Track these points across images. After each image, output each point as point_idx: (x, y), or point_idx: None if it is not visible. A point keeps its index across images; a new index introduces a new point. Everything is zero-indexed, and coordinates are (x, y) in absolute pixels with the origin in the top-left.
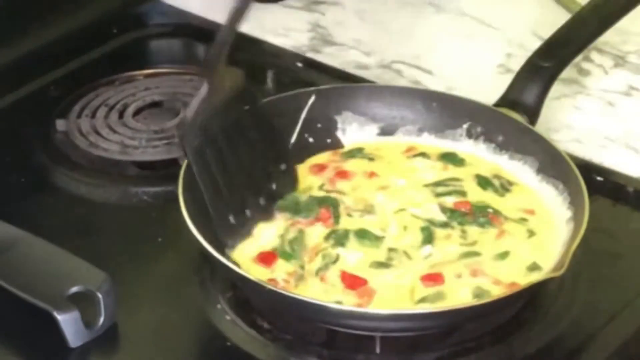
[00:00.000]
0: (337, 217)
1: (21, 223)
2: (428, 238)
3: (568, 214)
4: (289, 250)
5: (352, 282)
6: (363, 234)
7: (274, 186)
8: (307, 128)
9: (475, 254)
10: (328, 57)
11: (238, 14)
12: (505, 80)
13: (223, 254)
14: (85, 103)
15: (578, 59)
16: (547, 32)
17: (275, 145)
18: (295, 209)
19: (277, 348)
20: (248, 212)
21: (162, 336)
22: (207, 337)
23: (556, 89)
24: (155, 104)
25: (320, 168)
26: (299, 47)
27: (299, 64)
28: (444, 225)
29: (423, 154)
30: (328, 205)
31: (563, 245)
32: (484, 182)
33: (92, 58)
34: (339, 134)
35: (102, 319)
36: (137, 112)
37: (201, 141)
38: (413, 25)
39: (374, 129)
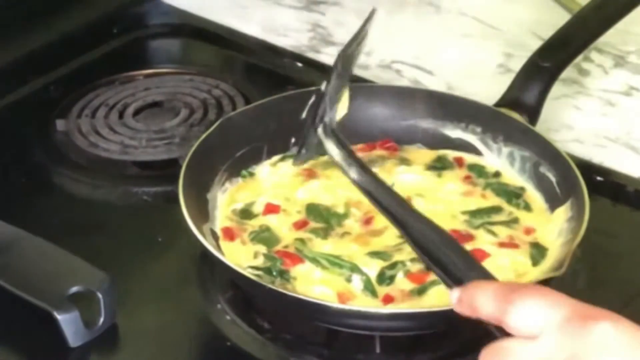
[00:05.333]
0: None
1: (21, 223)
2: None
3: (568, 213)
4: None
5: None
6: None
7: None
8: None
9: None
10: (328, 57)
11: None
12: (505, 80)
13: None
14: (85, 103)
15: (578, 59)
16: (547, 32)
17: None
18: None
19: (277, 348)
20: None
21: (162, 336)
22: (207, 337)
23: (556, 89)
24: (155, 104)
25: None
26: (299, 47)
27: (299, 64)
28: None
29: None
30: None
31: (563, 245)
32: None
33: (92, 58)
34: None
35: (102, 319)
36: (137, 112)
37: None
38: (413, 25)
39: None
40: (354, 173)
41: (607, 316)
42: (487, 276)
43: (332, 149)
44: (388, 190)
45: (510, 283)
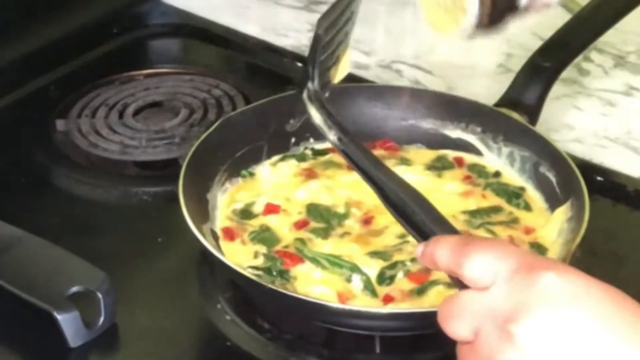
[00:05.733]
0: None
1: (21, 223)
2: None
3: (568, 213)
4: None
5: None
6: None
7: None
8: (307, 128)
9: None
10: None
11: None
12: (505, 80)
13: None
14: (85, 103)
15: (578, 59)
16: (547, 32)
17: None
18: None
19: (277, 348)
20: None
21: (162, 336)
22: (207, 337)
23: (556, 89)
24: (155, 104)
25: None
26: (299, 47)
27: (299, 64)
28: None
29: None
30: None
31: (563, 245)
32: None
33: (92, 58)
34: None
35: (102, 319)
36: (137, 112)
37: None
38: (413, 25)
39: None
40: (333, 135)
41: (553, 266)
42: (451, 231)
43: (314, 112)
44: (365, 151)
45: (466, 237)
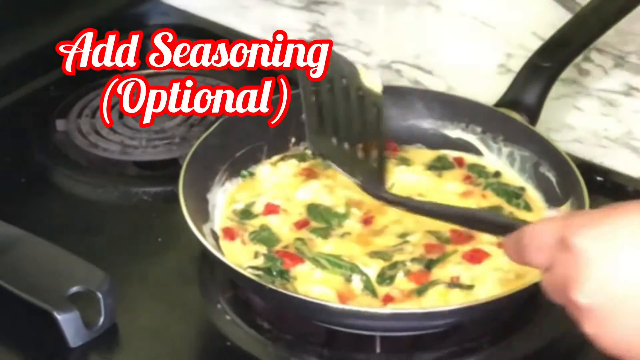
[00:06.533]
0: None
1: (21, 223)
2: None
3: None
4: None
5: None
6: None
7: None
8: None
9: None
10: None
11: None
12: (505, 80)
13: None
14: (85, 103)
15: (578, 59)
16: (547, 32)
17: None
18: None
19: (277, 348)
20: None
21: (162, 336)
22: (207, 337)
23: (556, 89)
24: None
25: None
26: None
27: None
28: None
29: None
30: None
31: None
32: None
33: None
34: None
35: (102, 319)
36: None
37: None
38: (413, 25)
39: None
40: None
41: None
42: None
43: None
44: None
45: (516, 234)
